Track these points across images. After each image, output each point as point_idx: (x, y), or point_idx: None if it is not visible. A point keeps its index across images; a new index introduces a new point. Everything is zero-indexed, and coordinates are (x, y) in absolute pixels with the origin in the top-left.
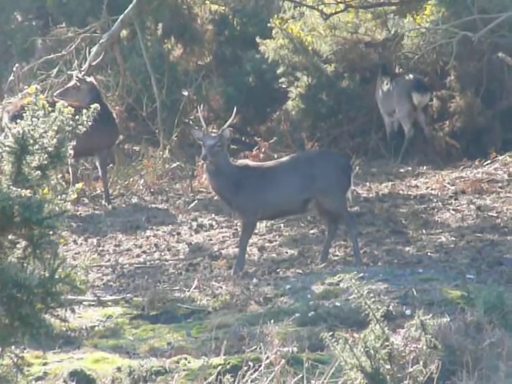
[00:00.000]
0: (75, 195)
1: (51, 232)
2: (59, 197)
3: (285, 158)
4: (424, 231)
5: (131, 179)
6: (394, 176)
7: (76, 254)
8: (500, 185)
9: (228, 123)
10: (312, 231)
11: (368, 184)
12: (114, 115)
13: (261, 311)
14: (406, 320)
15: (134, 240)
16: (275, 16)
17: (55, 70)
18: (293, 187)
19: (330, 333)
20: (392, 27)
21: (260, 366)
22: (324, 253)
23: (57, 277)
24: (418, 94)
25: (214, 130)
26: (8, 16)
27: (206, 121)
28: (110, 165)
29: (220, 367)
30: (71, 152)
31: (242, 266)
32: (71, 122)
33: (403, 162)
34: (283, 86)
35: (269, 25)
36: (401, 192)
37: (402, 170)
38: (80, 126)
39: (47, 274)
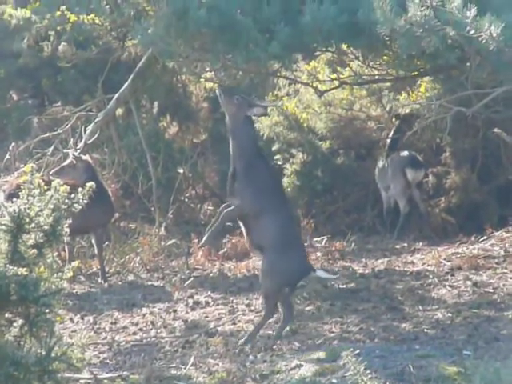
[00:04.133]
0: (71, 273)
1: (47, 310)
2: (55, 275)
3: None
4: (420, 307)
5: (127, 257)
6: (389, 252)
7: (72, 331)
8: (496, 260)
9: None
10: (308, 308)
11: (364, 260)
12: (110, 193)
13: None
14: None
15: (131, 317)
16: (270, 93)
17: (51, 149)
18: None
19: None
20: (387, 104)
21: None
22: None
23: (53, 355)
24: (412, 171)
25: (209, 207)
26: (3, 95)
27: (202, 198)
28: (106, 242)
29: None
30: (67, 230)
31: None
32: (67, 201)
33: (399, 238)
34: (278, 162)
35: None
36: (397, 268)
37: (397, 246)
38: (76, 205)
39: (44, 352)
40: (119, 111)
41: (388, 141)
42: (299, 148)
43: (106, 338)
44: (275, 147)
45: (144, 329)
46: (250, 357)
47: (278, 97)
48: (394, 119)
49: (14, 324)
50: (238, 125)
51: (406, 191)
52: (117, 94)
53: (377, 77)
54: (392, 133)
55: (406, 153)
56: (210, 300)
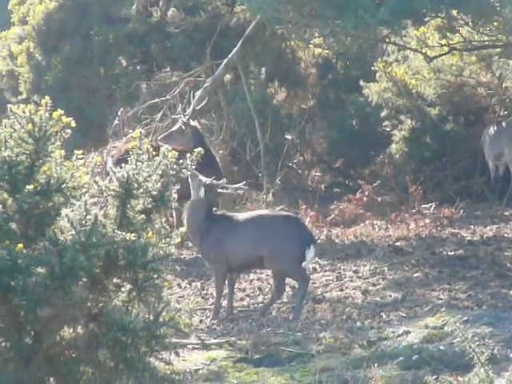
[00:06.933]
0: (179, 239)
1: (155, 275)
2: (163, 240)
3: (252, 213)
4: None
5: None
6: (498, 219)
7: (180, 297)
8: None
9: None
10: (416, 274)
11: (472, 227)
12: (218, 159)
13: (364, 354)
14: (511, 363)
15: (238, 283)
16: (379, 59)
17: (159, 114)
18: (247, 243)
19: (434, 376)
20: (497, 70)
21: None
22: (265, 307)
23: (161, 320)
24: None
25: (317, 174)
26: (113, 60)
27: (309, 164)
28: (214, 208)
29: None
30: (175, 196)
31: (217, 313)
32: (175, 166)
33: (508, 205)
34: (387, 129)
35: (372, 68)
36: (506, 235)
37: (506, 213)
38: (184, 170)
39: (152, 318)
40: (227, 77)
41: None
42: (408, 114)
43: (213, 303)
44: (384, 113)
45: (251, 295)
46: (358, 323)
47: (386, 63)
48: None
49: (122, 289)
50: None
51: None
52: (225, 60)
53: (487, 42)
54: None
55: None
56: (317, 266)
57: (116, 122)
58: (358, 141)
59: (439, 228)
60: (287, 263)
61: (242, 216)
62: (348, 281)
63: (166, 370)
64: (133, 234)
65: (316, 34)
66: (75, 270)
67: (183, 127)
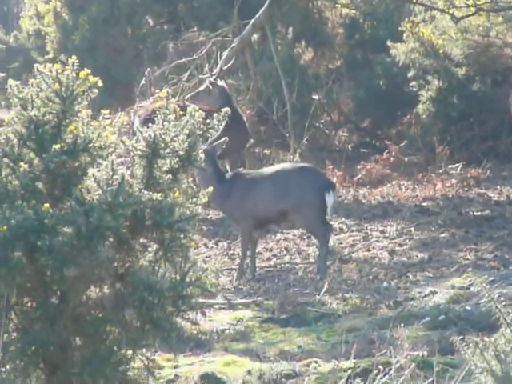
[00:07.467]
0: (206, 199)
1: (182, 235)
2: (190, 200)
3: (269, 169)
4: None
5: None
6: None
7: (207, 257)
8: None
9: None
10: (442, 235)
11: (499, 187)
12: (245, 119)
13: (391, 315)
14: None
15: (265, 243)
16: (406, 19)
17: (186, 74)
18: (269, 197)
19: (461, 336)
20: None
21: (390, 369)
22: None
23: (188, 280)
24: None
25: (344, 134)
26: (140, 20)
27: (336, 124)
28: (241, 168)
29: (350, 371)
30: (201, 155)
31: (242, 273)
32: (202, 126)
33: None
34: (414, 89)
35: (400, 28)
36: None
37: None
38: (211, 130)
39: (178, 278)
40: (255, 37)
41: None
42: (435, 74)
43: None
44: (411, 73)
45: (278, 255)
46: (384, 284)
47: (413, 23)
48: None
49: (149, 249)
50: None
51: None
52: (253, 20)
53: None
54: None
55: None
56: (344, 226)
57: (143, 81)
58: (384, 101)
59: (466, 188)
60: (310, 214)
61: (259, 172)
62: (375, 241)
63: (192, 329)
64: (159, 194)
65: None
66: (102, 230)
67: (210, 87)
